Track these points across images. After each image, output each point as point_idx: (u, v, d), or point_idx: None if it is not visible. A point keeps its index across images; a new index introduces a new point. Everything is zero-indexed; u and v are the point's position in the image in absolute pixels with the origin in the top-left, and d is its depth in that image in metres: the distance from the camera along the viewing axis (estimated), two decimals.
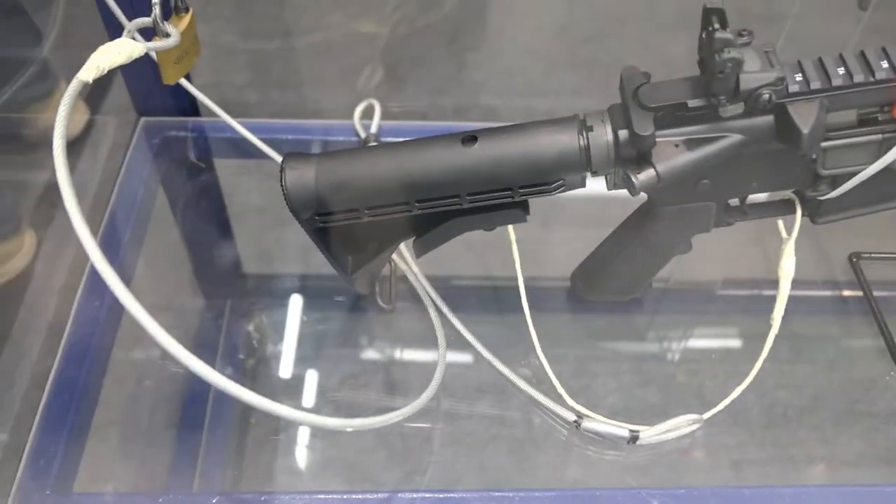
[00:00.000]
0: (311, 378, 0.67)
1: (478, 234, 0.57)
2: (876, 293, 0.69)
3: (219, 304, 0.74)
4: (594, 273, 0.64)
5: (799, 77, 0.48)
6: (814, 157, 0.51)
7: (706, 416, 0.59)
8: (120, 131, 0.84)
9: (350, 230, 0.57)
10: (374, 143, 0.72)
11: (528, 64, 1.54)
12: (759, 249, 0.72)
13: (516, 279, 0.61)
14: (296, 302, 0.72)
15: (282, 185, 0.52)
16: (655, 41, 1.60)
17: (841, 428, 0.64)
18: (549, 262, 0.73)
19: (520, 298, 0.60)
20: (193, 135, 0.78)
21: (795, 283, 0.71)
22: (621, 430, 0.58)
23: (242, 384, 0.63)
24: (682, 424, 0.58)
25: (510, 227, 0.59)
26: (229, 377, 0.67)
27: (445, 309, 0.65)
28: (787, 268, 0.58)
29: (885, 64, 0.47)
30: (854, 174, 0.51)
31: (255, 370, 0.68)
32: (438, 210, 0.54)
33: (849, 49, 0.48)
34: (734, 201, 0.58)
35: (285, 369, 0.67)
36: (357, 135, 0.75)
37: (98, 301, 0.67)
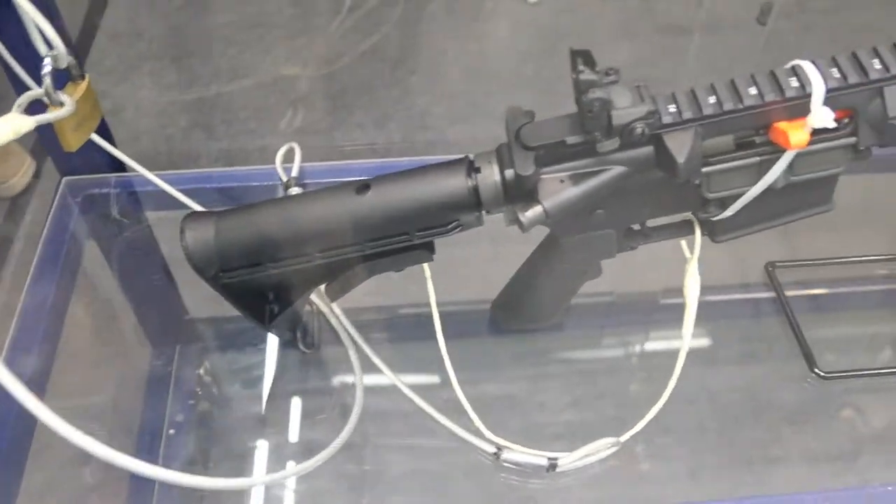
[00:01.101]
0: (266, 419, 0.67)
1: None
2: (792, 300, 0.70)
3: (167, 350, 0.75)
4: (511, 303, 0.65)
5: (672, 108, 0.49)
6: (697, 182, 0.52)
7: (624, 438, 0.60)
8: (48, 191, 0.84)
9: (264, 280, 0.57)
10: (295, 188, 0.73)
11: (471, 86, 1.56)
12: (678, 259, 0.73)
13: (449, 305, 0.62)
14: (244, 343, 0.72)
15: (183, 246, 0.53)
16: (597, 53, 1.62)
17: (765, 433, 0.66)
18: (477, 285, 0.74)
19: (447, 326, 0.61)
20: (117, 190, 0.79)
21: (717, 292, 0.73)
22: (539, 458, 0.58)
23: (196, 428, 0.65)
24: (600, 448, 0.59)
25: None
26: (180, 423, 0.68)
27: (367, 349, 0.66)
28: (692, 286, 0.59)
29: (752, 91, 0.49)
30: (740, 195, 0.53)
31: (210, 413, 0.69)
32: (342, 258, 0.55)
33: (749, 64, 0.50)
34: (636, 226, 0.59)
35: (239, 411, 0.68)
36: (280, 179, 0.76)
37: None
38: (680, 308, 0.72)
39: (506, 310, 0.66)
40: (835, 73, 0.48)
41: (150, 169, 0.76)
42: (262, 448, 0.65)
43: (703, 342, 0.72)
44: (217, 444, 0.66)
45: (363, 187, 0.53)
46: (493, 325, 0.69)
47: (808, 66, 0.48)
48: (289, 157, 0.78)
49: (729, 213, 0.54)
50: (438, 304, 0.63)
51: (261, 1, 1.71)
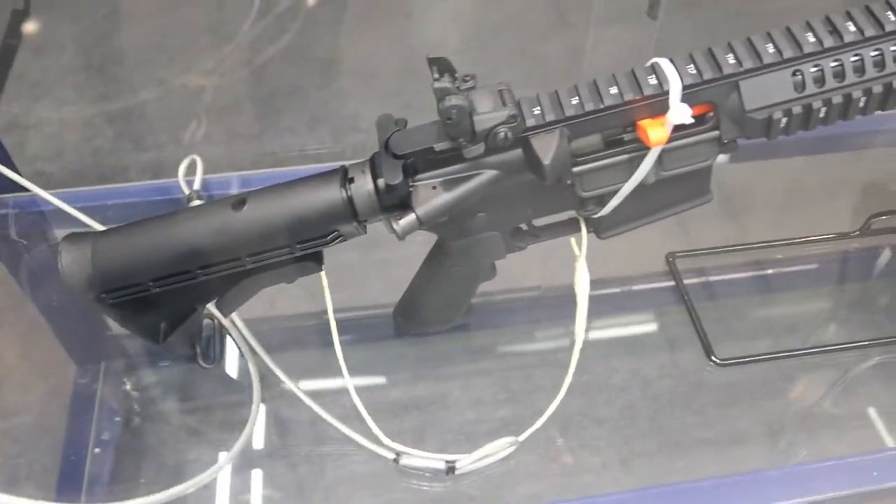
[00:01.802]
0: (196, 432, 0.67)
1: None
2: (692, 289, 0.72)
3: (91, 368, 0.74)
4: (410, 309, 0.66)
5: (537, 110, 0.50)
6: (569, 182, 0.53)
7: (522, 437, 0.60)
8: None
9: (152, 298, 0.57)
10: (197, 201, 0.72)
11: (403, 86, 1.55)
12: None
13: (354, 311, 0.61)
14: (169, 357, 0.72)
15: (59, 269, 0.53)
16: (530, 46, 1.63)
17: (667, 421, 0.67)
18: (383, 288, 0.73)
19: (352, 332, 0.61)
20: (16, 211, 0.77)
21: (621, 283, 0.74)
22: (437, 462, 0.59)
23: (124, 445, 0.65)
24: (499, 448, 0.60)
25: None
26: (106, 441, 0.68)
27: (267, 359, 0.65)
28: (582, 283, 0.60)
29: (613, 90, 0.49)
30: (615, 192, 0.54)
31: (142, 428, 0.68)
32: (225, 274, 0.55)
33: (645, 56, 0.50)
34: (523, 226, 0.60)
35: (168, 425, 0.67)
36: (182, 192, 0.75)
37: None
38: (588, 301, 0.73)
39: (406, 316, 0.67)
40: (691, 69, 0.49)
41: (77, 184, 0.74)
42: (193, 462, 0.65)
43: (609, 333, 0.73)
44: (148, 460, 0.66)
45: (239, 203, 0.52)
46: (397, 330, 0.69)
47: (665, 64, 0.49)
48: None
49: (607, 210, 0.55)
50: (344, 310, 0.63)
51: (188, 8, 1.69)
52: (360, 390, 0.63)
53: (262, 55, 1.59)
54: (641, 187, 0.53)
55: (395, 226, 0.50)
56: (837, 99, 0.49)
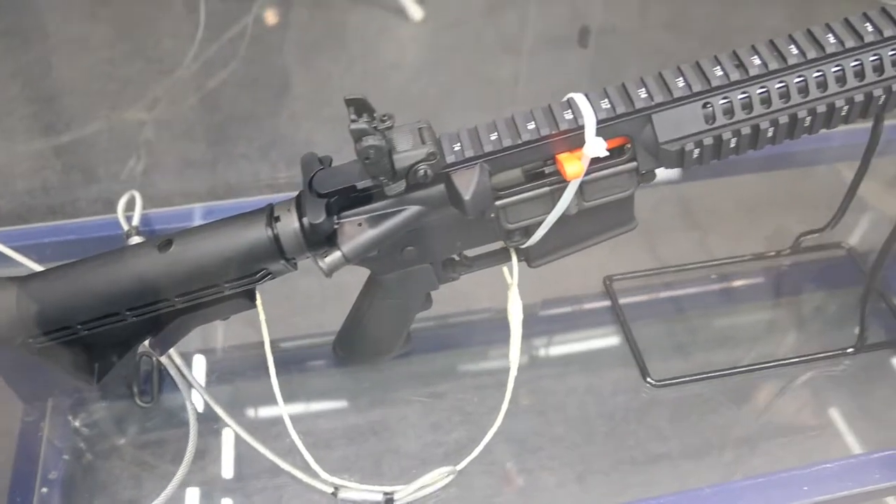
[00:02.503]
0: (146, 466, 0.66)
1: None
2: (629, 310, 0.73)
3: (38, 405, 0.73)
4: (348, 341, 0.66)
5: (457, 147, 0.51)
6: (493, 215, 0.54)
7: (460, 466, 0.61)
8: None
9: (87, 340, 0.57)
10: (137, 237, 0.72)
11: None
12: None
13: (307, 337, 0.61)
14: (117, 394, 0.70)
15: None
16: (483, 67, 1.65)
17: (607, 440, 0.68)
18: (325, 318, 0.74)
19: (299, 360, 0.62)
20: None
21: (562, 304, 0.75)
22: (375, 494, 0.59)
23: (73, 484, 0.64)
24: (437, 479, 0.60)
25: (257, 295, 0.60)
26: (53, 480, 0.67)
27: (205, 395, 0.65)
28: (515, 311, 0.60)
29: (531, 125, 0.50)
30: (539, 223, 0.55)
31: (89, 466, 0.67)
32: (155, 314, 0.55)
33: (577, 84, 0.51)
34: (456, 256, 0.61)
35: (119, 460, 0.66)
36: (121, 228, 0.75)
37: None
38: (527, 325, 0.74)
39: (345, 349, 0.67)
40: (605, 104, 0.50)
41: (27, 217, 0.73)
42: (143, 498, 0.64)
43: (556, 352, 0.74)
44: (98, 497, 0.65)
45: (165, 244, 0.53)
46: (338, 362, 0.69)
47: (580, 99, 0.50)
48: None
49: (533, 240, 0.56)
50: (292, 338, 0.63)
51: (135, 38, 1.68)
52: (304, 420, 0.63)
53: (213, 83, 1.59)
54: (566, 217, 0.55)
55: (321, 263, 0.51)
56: (746, 130, 0.50)
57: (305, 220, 0.52)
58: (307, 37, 1.72)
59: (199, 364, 0.71)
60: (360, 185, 0.51)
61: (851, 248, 0.79)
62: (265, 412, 0.67)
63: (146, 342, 0.60)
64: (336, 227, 0.52)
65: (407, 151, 0.49)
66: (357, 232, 0.51)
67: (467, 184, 0.50)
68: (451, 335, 0.76)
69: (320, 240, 0.52)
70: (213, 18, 1.75)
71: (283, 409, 0.60)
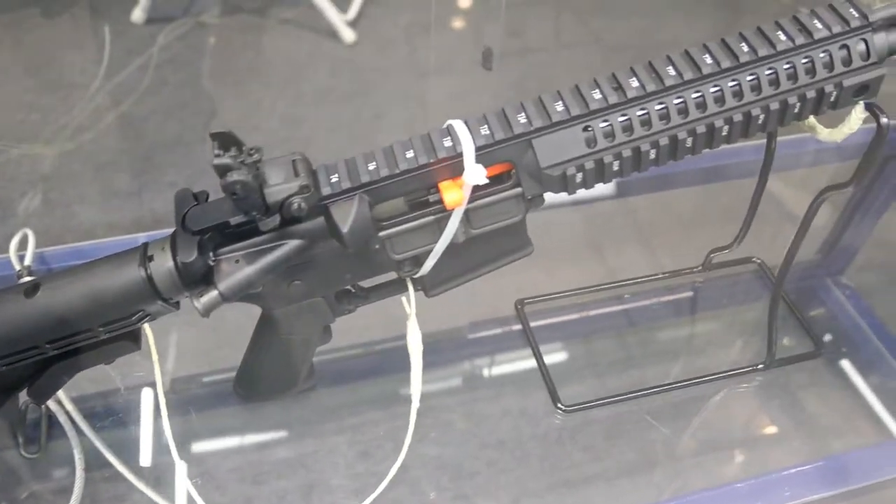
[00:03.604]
0: None
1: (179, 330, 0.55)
2: (541, 334, 0.72)
3: None
4: (248, 380, 0.64)
5: (334, 178, 0.49)
6: (377, 246, 0.52)
7: (367, 501, 0.59)
8: None
9: None
10: (29, 277, 0.69)
11: (289, 134, 1.54)
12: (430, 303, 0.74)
13: (214, 373, 0.58)
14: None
15: None
16: (416, 89, 1.65)
17: (542, 462, 0.67)
18: (227, 353, 0.71)
19: (215, 395, 0.59)
20: None
21: (476, 329, 0.74)
22: None
23: None
24: None
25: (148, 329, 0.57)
26: None
27: (94, 439, 0.63)
28: (414, 342, 0.59)
29: (409, 154, 0.49)
30: (428, 252, 0.53)
31: None
32: (27, 362, 0.52)
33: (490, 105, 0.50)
34: (351, 287, 0.59)
35: None
36: (13, 268, 0.72)
37: None
38: (432, 352, 0.73)
39: (245, 387, 0.65)
40: (484, 130, 0.49)
41: None
42: None
43: (462, 381, 0.73)
44: None
45: (32, 289, 0.50)
46: (239, 400, 0.67)
47: (459, 126, 0.49)
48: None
49: (424, 270, 0.55)
50: (208, 374, 0.60)
51: (55, 67, 1.64)
52: (203, 459, 0.61)
53: (140, 110, 1.56)
54: (457, 245, 0.53)
55: (196, 304, 0.49)
56: (627, 152, 0.50)
57: (179, 259, 0.49)
58: (238, 61, 1.70)
59: (95, 406, 0.68)
60: (234, 220, 0.49)
61: (762, 262, 0.79)
62: (158, 455, 0.64)
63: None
64: (212, 264, 0.50)
65: (278, 185, 0.47)
66: (234, 269, 0.49)
67: (345, 216, 0.49)
68: (377, 361, 0.74)
69: (197, 278, 0.50)
70: (138, 43, 1.72)
71: (172, 450, 0.58)
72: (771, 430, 0.70)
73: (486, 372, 0.74)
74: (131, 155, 1.50)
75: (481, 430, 0.70)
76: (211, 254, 0.50)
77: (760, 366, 0.70)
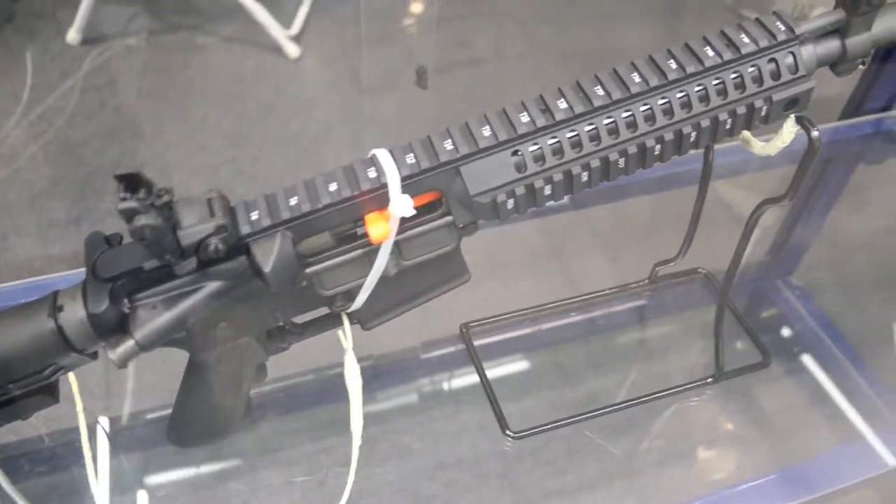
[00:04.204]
0: None
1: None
2: (487, 357, 0.70)
3: None
4: (180, 425, 0.61)
5: (254, 215, 0.47)
6: (304, 283, 0.50)
7: None
8: None
9: None
10: None
11: (234, 153, 1.51)
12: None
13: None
14: None
15: None
16: (362, 103, 1.62)
17: (479, 484, 0.65)
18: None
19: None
20: None
21: (427, 347, 0.72)
22: None
23: None
24: None
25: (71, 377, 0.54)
26: None
27: (11, 492, 0.59)
28: (352, 377, 0.57)
29: (333, 187, 0.47)
30: (359, 286, 0.51)
31: None
32: None
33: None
34: (285, 324, 0.57)
35: None
36: None
37: None
38: (386, 372, 0.71)
39: (178, 432, 0.62)
40: (410, 159, 0.47)
41: None
42: None
43: (418, 400, 0.71)
44: None
45: None
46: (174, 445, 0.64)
47: (383, 156, 0.47)
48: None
49: (357, 304, 0.53)
50: (152, 411, 0.57)
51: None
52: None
53: (77, 134, 1.51)
54: (390, 277, 0.51)
55: (111, 355, 0.46)
56: (559, 176, 0.48)
57: (90, 309, 0.47)
58: (179, 80, 1.66)
59: (10, 457, 0.64)
60: (148, 265, 0.46)
61: (708, 272, 0.78)
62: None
63: None
64: (128, 311, 0.47)
65: (193, 227, 0.45)
66: (152, 316, 0.47)
67: (267, 255, 0.46)
68: (330, 385, 0.72)
69: (112, 327, 0.47)
70: (74, 65, 1.67)
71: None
72: (729, 439, 0.70)
73: (441, 390, 0.73)
74: (69, 182, 1.45)
75: (439, 449, 0.68)
76: (126, 300, 0.47)
77: (710, 379, 0.69)
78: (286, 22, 1.71)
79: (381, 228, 0.47)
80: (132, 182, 0.43)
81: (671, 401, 0.70)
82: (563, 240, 0.85)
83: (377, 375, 0.73)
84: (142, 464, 0.65)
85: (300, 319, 0.57)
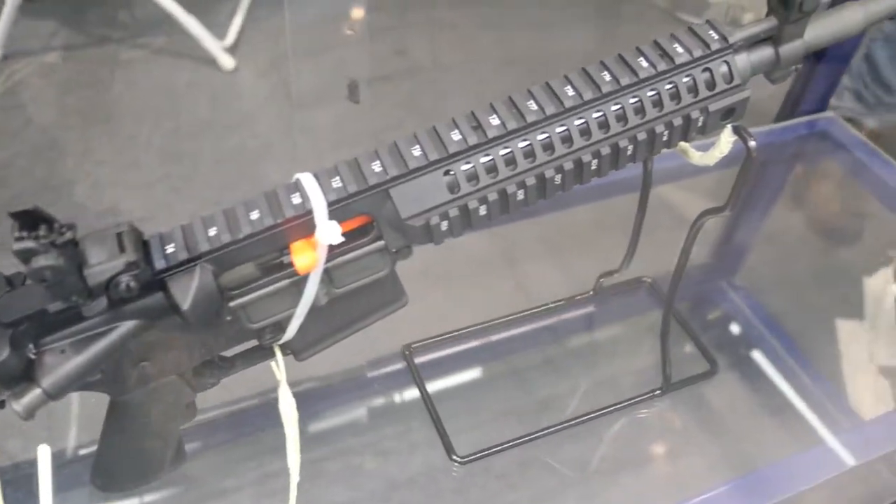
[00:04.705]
0: None
1: None
2: (430, 378, 0.68)
3: None
4: (106, 470, 0.57)
5: (170, 249, 0.44)
6: (229, 317, 0.47)
7: None
8: None
9: None
10: None
11: (168, 170, 1.46)
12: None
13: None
14: None
15: None
16: (300, 116, 1.59)
17: (433, 502, 0.64)
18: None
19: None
20: None
21: (374, 365, 0.69)
22: None
23: None
24: None
25: None
26: None
27: None
28: (287, 410, 0.54)
29: (254, 215, 0.44)
30: (289, 317, 0.48)
31: None
32: None
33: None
34: (214, 357, 0.53)
35: None
36: None
37: None
38: (334, 393, 0.68)
39: (104, 478, 0.58)
40: (336, 183, 0.45)
41: None
42: None
43: (367, 419, 0.69)
44: None
45: None
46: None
47: (307, 181, 0.45)
48: None
49: (288, 336, 0.50)
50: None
51: None
52: None
53: (3, 154, 1.44)
54: (323, 306, 0.49)
55: (15, 406, 0.42)
56: (493, 195, 0.46)
57: None
58: (109, 95, 1.60)
59: None
60: (53, 308, 0.42)
61: (653, 281, 0.77)
62: None
63: None
64: (34, 357, 0.43)
65: (100, 265, 0.41)
66: (60, 361, 0.43)
67: (185, 291, 0.43)
68: (269, 410, 0.68)
69: (16, 375, 0.43)
70: None
71: None
72: (683, 448, 0.69)
73: (390, 409, 0.70)
74: None
75: (391, 468, 0.66)
76: (31, 345, 0.43)
77: (658, 392, 0.68)
78: (219, 33, 1.67)
79: (307, 258, 0.44)
80: (29, 219, 0.39)
81: (620, 415, 0.68)
82: (511, 250, 0.83)
83: (325, 395, 0.70)
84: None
85: (230, 352, 0.54)
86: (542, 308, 0.74)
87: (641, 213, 0.64)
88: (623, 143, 0.47)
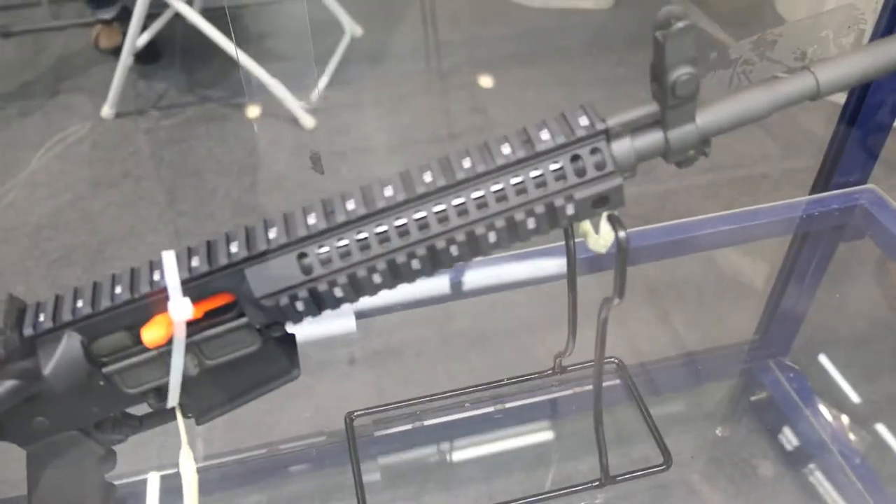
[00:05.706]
0: None
1: None
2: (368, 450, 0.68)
3: None
4: None
5: (41, 317, 0.47)
6: (101, 382, 0.50)
7: None
8: None
9: None
10: None
11: (241, 220, 1.56)
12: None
13: None
14: None
15: None
16: (371, 172, 1.65)
17: None
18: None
19: None
20: None
21: (305, 439, 0.70)
22: None
23: None
24: None
25: None
26: None
27: None
28: (187, 473, 0.56)
29: (117, 289, 0.47)
30: (165, 385, 0.51)
31: None
32: None
33: None
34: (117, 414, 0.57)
35: None
36: None
37: None
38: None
39: None
40: (195, 261, 0.47)
41: None
42: None
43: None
44: None
45: None
46: None
47: (167, 258, 0.47)
48: None
49: (171, 403, 0.52)
50: None
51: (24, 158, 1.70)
52: None
53: (96, 204, 1.60)
54: (208, 374, 0.51)
55: None
56: (343, 279, 0.47)
57: None
58: (200, 151, 1.73)
59: None
60: None
61: (620, 363, 0.73)
62: None
63: None
64: None
65: None
66: None
67: (48, 357, 0.47)
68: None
69: None
70: (105, 137, 1.77)
71: None
72: None
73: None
74: (84, 249, 1.52)
75: None
76: None
77: (596, 483, 0.64)
78: (304, 95, 1.77)
79: (155, 332, 0.46)
80: None
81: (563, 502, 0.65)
82: (481, 322, 0.82)
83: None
84: None
85: (136, 410, 0.57)
86: (499, 384, 0.71)
87: (573, 296, 0.61)
88: (480, 230, 0.46)
